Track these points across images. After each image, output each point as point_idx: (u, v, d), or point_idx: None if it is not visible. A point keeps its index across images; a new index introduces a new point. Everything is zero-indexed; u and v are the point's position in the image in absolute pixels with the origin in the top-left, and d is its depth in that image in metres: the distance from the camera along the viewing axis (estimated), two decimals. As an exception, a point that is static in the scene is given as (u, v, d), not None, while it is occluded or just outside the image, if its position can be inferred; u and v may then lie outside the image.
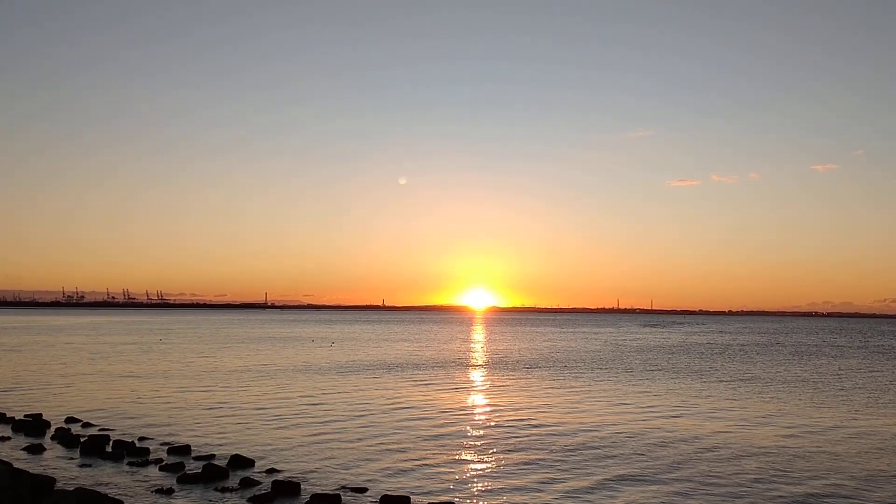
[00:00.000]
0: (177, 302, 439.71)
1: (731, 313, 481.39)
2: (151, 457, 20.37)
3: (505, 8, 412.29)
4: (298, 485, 16.84)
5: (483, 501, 16.52)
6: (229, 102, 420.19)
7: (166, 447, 21.31)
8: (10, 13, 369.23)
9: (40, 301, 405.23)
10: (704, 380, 44.01)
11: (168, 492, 16.87)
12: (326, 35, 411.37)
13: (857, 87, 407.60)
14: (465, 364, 54.77)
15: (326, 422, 26.62)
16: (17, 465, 18.43)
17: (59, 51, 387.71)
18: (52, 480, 16.12)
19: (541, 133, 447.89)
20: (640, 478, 18.77)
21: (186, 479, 17.87)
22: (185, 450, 20.90)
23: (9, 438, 23.03)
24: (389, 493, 16.68)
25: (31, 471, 17.49)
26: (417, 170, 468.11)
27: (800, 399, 35.29)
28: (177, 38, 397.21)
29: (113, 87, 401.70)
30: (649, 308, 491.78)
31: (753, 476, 19.04)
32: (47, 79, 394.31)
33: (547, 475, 18.97)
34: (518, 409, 30.57)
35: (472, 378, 44.67)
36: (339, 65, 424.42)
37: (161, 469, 18.94)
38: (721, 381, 43.06)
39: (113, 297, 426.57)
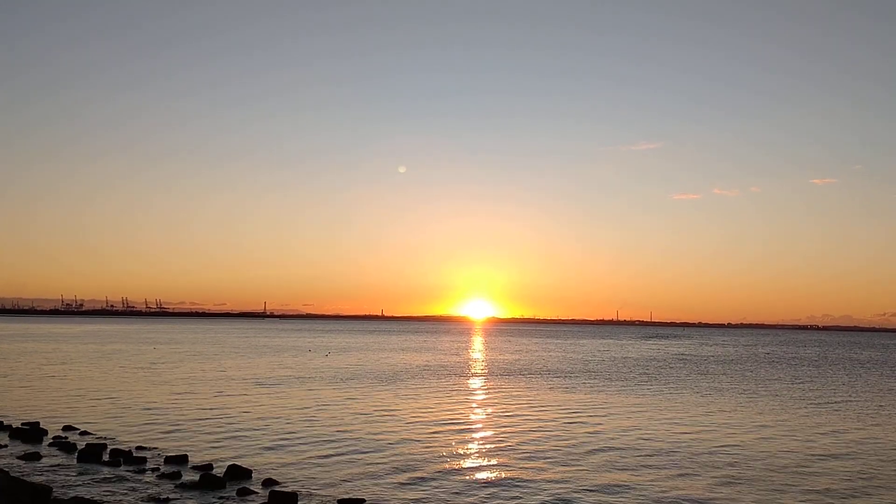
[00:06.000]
0: (176, 310, 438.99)
1: (730, 326, 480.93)
2: (148, 466, 20.35)
3: (508, 20, 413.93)
4: (295, 495, 16.81)
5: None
6: (230, 112, 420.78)
7: (163, 456, 21.28)
8: (14, 19, 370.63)
9: (39, 309, 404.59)
10: (699, 391, 43.98)
11: (165, 501, 16.85)
12: (330, 45, 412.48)
13: (856, 102, 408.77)
14: (462, 375, 54.69)
15: (323, 432, 26.58)
16: (14, 473, 18.41)
17: (61, 57, 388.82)
18: (49, 489, 16.10)
19: (543, 145, 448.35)
20: (638, 486, 18.77)
21: (183, 489, 17.87)
22: (182, 459, 20.87)
23: (6, 446, 22.98)
24: (386, 504, 16.67)
25: (28, 479, 17.48)
26: (418, 180, 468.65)
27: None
28: (177, 47, 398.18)
29: (113, 95, 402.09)
30: (649, 320, 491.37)
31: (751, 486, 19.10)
32: (49, 85, 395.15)
33: (547, 487, 18.94)
34: (516, 421, 30.52)
35: (469, 389, 44.60)
36: (341, 75, 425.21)
37: (158, 478, 18.92)
38: (716, 393, 43.05)
39: (112, 306, 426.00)
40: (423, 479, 19.64)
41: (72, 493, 16.95)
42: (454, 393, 41.86)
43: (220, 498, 17.27)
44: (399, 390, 42.14)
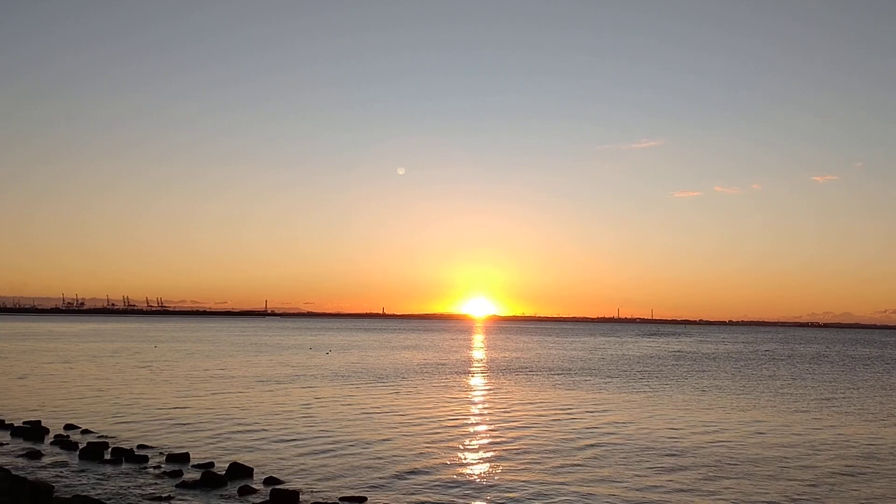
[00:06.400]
0: (177, 309, 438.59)
1: (731, 323, 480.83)
2: (150, 464, 20.38)
3: (507, 20, 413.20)
4: (297, 494, 16.83)
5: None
6: (230, 113, 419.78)
7: (165, 455, 21.31)
8: (14, 20, 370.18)
9: (40, 308, 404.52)
10: (697, 388, 44.03)
11: (166, 499, 16.87)
12: (330, 46, 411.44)
13: (857, 100, 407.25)
14: (463, 373, 54.74)
15: (325, 430, 26.62)
16: (15, 471, 18.43)
17: (62, 59, 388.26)
18: (51, 487, 16.13)
19: (544, 143, 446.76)
20: (633, 483, 18.81)
21: (185, 487, 17.89)
22: (183, 457, 20.89)
23: (7, 444, 23.03)
24: (388, 502, 16.69)
25: (29, 477, 17.49)
26: (419, 179, 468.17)
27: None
28: (177, 49, 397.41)
29: (114, 96, 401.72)
30: (650, 318, 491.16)
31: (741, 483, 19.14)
32: (51, 86, 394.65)
33: (550, 485, 18.97)
34: (516, 419, 30.54)
35: (470, 387, 44.65)
36: (341, 76, 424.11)
37: (160, 476, 18.94)
38: (713, 390, 43.10)
39: (113, 304, 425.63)
40: (424, 477, 19.66)
41: (73, 492, 16.98)
42: (455, 390, 41.90)
43: (222, 496, 17.30)
44: (400, 388, 42.17)
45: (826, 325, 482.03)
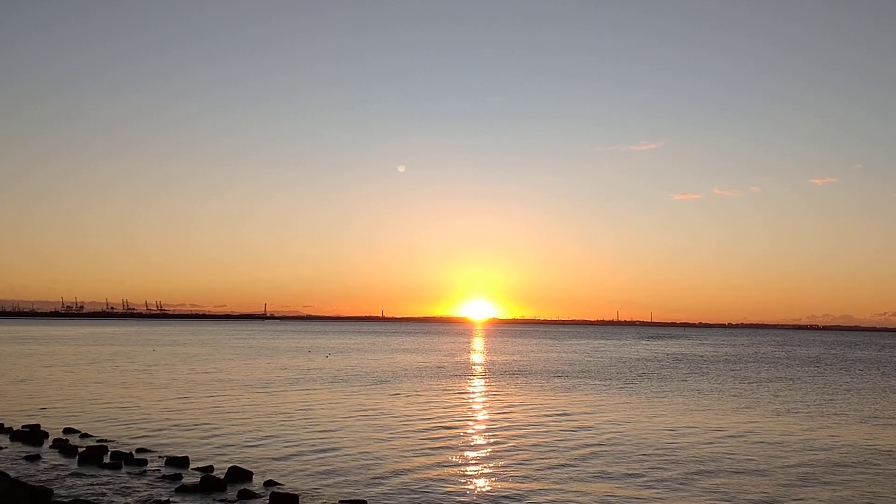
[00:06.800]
0: (176, 312, 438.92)
1: (731, 326, 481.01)
2: (149, 468, 20.39)
3: (508, 20, 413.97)
4: (297, 497, 16.84)
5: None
6: (230, 113, 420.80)
7: (164, 458, 21.31)
8: (14, 20, 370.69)
9: (39, 311, 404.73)
10: (694, 391, 44.08)
11: (165, 503, 16.88)
12: (330, 46, 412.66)
13: (856, 102, 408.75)
14: (462, 376, 54.76)
15: (324, 433, 26.63)
16: (14, 475, 18.45)
17: (61, 59, 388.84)
18: (50, 491, 16.16)
19: (544, 145, 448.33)
20: (632, 485, 18.85)
21: (184, 491, 17.90)
22: (183, 461, 20.90)
23: (6, 448, 23.03)
24: (387, 505, 16.71)
25: (28, 481, 17.51)
26: (418, 180, 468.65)
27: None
28: (177, 49, 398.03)
29: (113, 97, 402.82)
30: (649, 320, 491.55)
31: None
32: (49, 87, 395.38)
33: (547, 487, 19.00)
34: (516, 421, 30.57)
35: (469, 391, 44.67)
36: (341, 76, 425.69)
37: (159, 480, 18.95)
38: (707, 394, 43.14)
39: (112, 308, 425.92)
40: (424, 479, 19.68)
41: (73, 496, 16.98)
42: (454, 394, 41.92)
43: (221, 500, 17.30)
44: (399, 391, 42.18)
45: (825, 328, 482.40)
